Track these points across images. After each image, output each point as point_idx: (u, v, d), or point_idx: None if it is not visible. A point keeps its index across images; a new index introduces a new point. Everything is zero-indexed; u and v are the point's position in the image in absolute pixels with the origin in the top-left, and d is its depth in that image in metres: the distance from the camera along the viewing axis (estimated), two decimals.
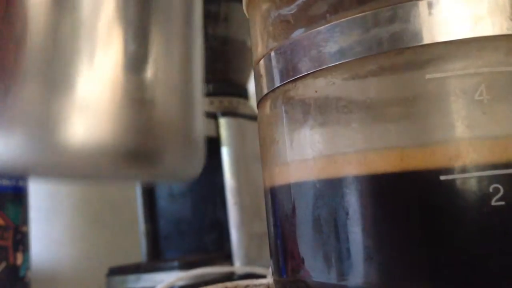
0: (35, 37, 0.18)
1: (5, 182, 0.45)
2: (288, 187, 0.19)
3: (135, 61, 0.19)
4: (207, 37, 0.58)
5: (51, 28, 0.18)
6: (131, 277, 0.47)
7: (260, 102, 0.21)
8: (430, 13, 0.16)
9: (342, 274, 0.17)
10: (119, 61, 0.18)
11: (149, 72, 0.19)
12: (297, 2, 0.19)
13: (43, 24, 0.18)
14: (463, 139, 0.15)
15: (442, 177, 0.15)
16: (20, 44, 0.18)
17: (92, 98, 0.18)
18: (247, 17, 0.23)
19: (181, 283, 0.43)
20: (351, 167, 0.17)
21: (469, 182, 0.15)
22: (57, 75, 0.18)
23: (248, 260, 0.49)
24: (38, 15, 0.18)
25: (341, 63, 0.17)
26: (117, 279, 0.48)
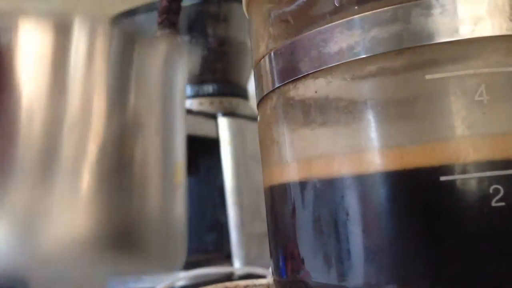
0: (27, 135, 0.18)
1: None
2: (288, 187, 0.19)
3: (115, 157, 0.19)
4: (207, 37, 0.58)
5: (43, 126, 0.18)
6: (131, 277, 0.47)
7: (260, 102, 0.21)
8: (430, 14, 0.16)
9: (342, 274, 0.17)
10: (101, 152, 0.18)
11: (129, 164, 0.20)
12: (297, 2, 0.19)
13: (37, 123, 0.18)
14: (463, 139, 0.15)
15: (442, 178, 0.15)
16: (12, 143, 0.18)
17: (76, 191, 0.18)
18: (247, 17, 0.23)
19: (181, 283, 0.43)
20: (351, 167, 0.17)
21: (469, 182, 0.15)
22: (45, 172, 0.18)
23: (248, 260, 0.49)
24: (32, 113, 0.18)
25: (341, 64, 0.17)
26: (117, 279, 0.48)
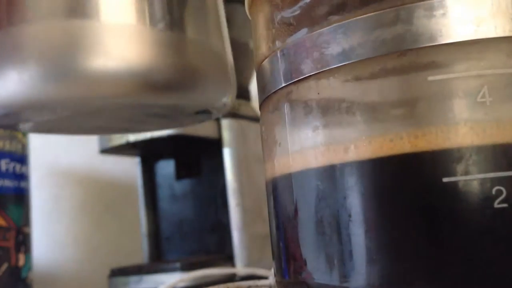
0: None
1: (7, 183, 0.45)
2: (290, 188, 0.19)
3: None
4: None
5: None
6: (133, 278, 0.47)
7: (262, 103, 0.21)
8: (432, 15, 0.16)
9: (344, 275, 0.17)
10: None
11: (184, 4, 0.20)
12: (299, 4, 0.19)
13: None
14: (465, 140, 0.15)
15: (445, 179, 0.15)
16: None
17: (119, 23, 0.18)
18: (250, 18, 0.23)
19: (183, 284, 0.43)
20: (353, 168, 0.17)
21: (472, 184, 0.15)
22: None
23: (250, 261, 0.49)
24: None
25: (343, 65, 0.17)
26: (119, 280, 0.48)
